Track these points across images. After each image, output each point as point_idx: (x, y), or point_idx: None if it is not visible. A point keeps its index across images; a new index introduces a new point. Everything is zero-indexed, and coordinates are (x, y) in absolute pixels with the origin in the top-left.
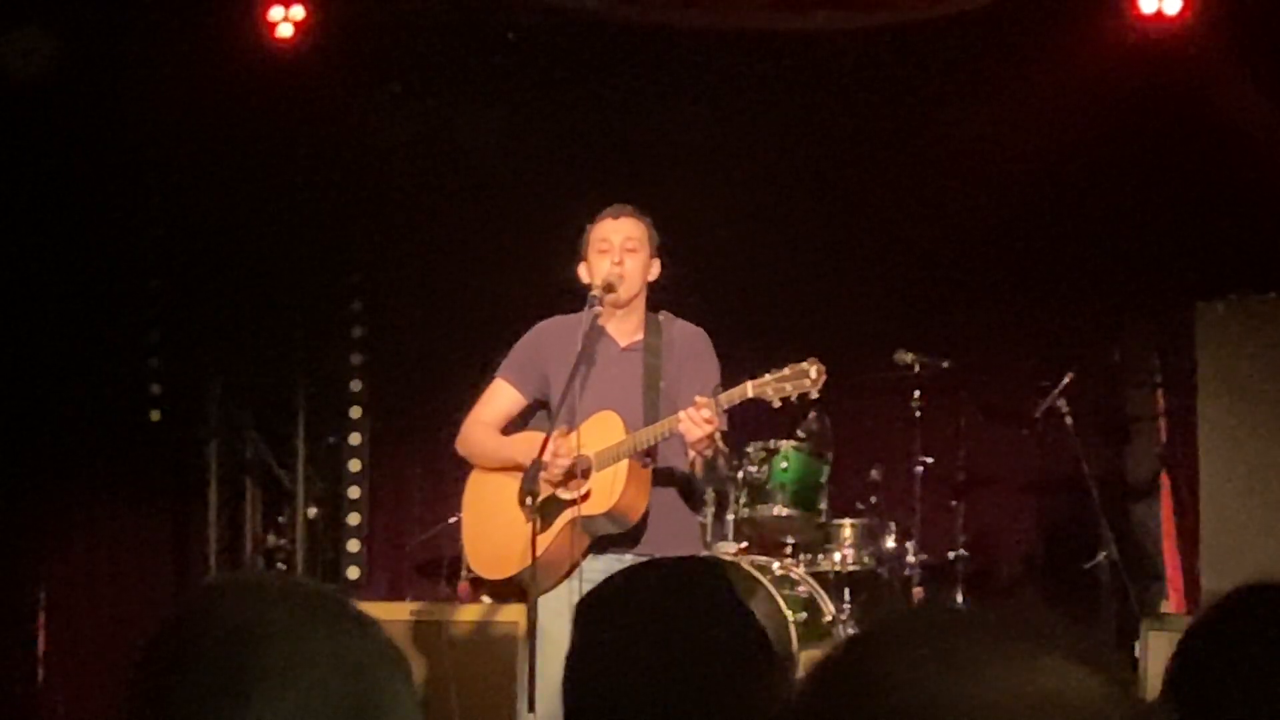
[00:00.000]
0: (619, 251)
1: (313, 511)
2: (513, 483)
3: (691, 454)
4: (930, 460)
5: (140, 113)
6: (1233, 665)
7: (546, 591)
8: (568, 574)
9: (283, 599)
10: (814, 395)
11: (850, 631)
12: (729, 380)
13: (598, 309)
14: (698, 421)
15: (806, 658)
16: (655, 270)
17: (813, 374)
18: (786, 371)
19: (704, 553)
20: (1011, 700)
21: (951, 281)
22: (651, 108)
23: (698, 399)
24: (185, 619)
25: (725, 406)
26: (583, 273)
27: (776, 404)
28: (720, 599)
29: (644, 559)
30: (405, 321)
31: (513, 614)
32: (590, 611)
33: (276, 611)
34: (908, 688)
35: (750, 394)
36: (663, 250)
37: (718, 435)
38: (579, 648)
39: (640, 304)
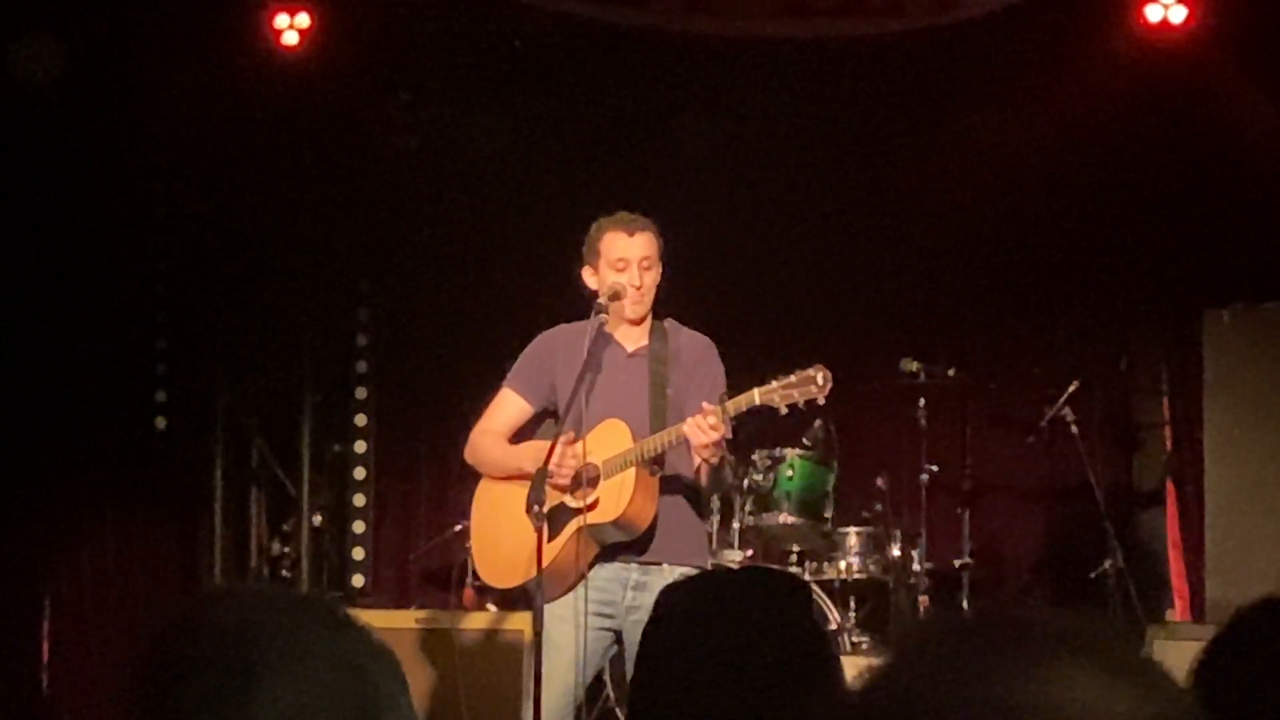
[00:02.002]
0: (637, 272)
1: (318, 519)
2: (520, 491)
3: (697, 461)
4: (936, 468)
5: (146, 120)
6: (1256, 679)
7: (554, 599)
8: (575, 582)
9: (278, 603)
10: (821, 402)
11: (855, 639)
12: (735, 388)
13: (604, 317)
14: (704, 429)
15: None
16: (659, 272)
17: (819, 380)
18: (793, 379)
19: (711, 560)
20: (1037, 708)
21: (957, 290)
22: (659, 115)
23: (704, 406)
24: (183, 625)
25: (732, 414)
26: (588, 278)
27: (784, 411)
28: (790, 609)
29: (652, 566)
30: (411, 329)
31: (519, 621)
32: (668, 605)
33: (272, 614)
34: (936, 695)
35: (757, 401)
36: (668, 256)
37: (724, 442)
38: (653, 635)
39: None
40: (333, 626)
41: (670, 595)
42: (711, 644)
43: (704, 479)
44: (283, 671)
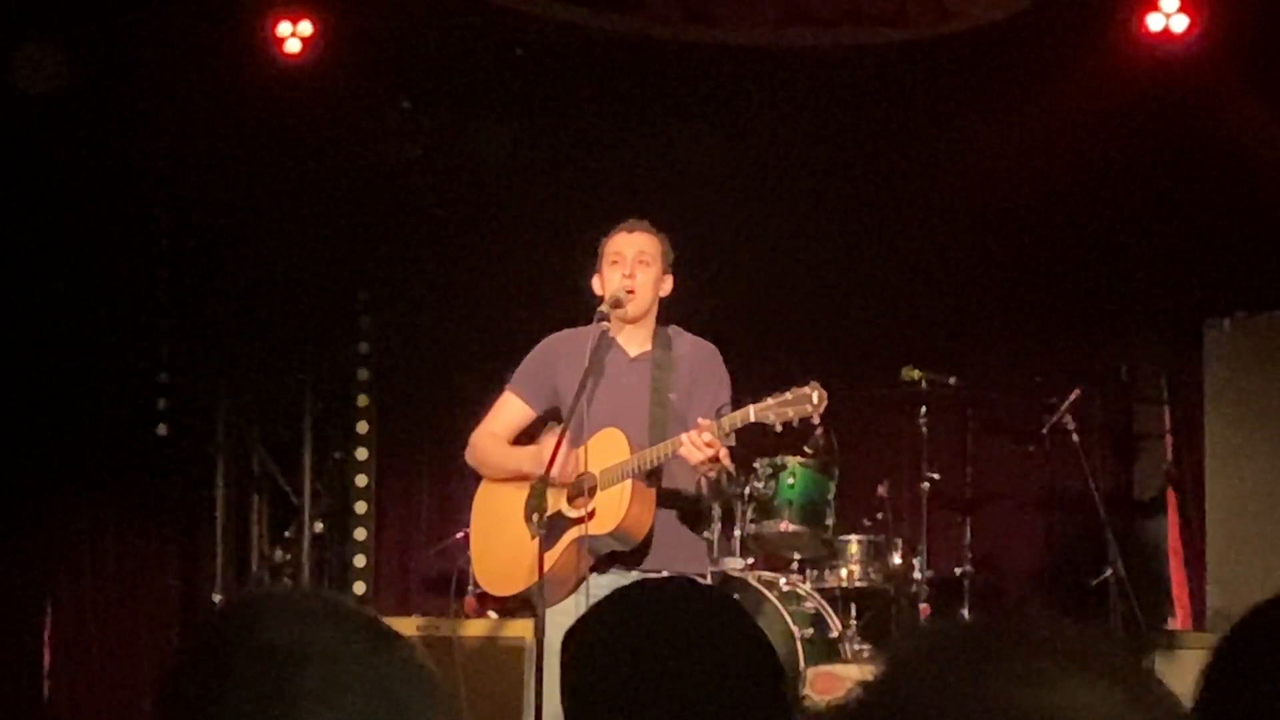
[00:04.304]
0: (631, 265)
1: (319, 526)
2: (520, 497)
3: (696, 474)
4: (937, 476)
5: (148, 127)
6: (1266, 685)
7: (553, 605)
8: (574, 589)
9: (321, 619)
10: (815, 420)
11: (856, 647)
12: (736, 398)
13: (605, 324)
14: (699, 445)
15: (813, 674)
16: (667, 286)
17: (815, 399)
18: (789, 395)
19: (710, 570)
20: (1033, 715)
21: (959, 298)
22: (660, 124)
23: (700, 421)
24: (225, 633)
25: (727, 429)
26: (596, 285)
27: (778, 428)
28: (725, 614)
29: (652, 574)
30: (412, 337)
31: (520, 628)
32: (583, 635)
33: (315, 632)
34: (932, 702)
35: (753, 418)
36: (673, 267)
37: (723, 454)
38: (570, 671)
39: (651, 317)
40: (374, 649)
41: (590, 618)
42: (637, 661)
43: (705, 490)
44: (321, 697)
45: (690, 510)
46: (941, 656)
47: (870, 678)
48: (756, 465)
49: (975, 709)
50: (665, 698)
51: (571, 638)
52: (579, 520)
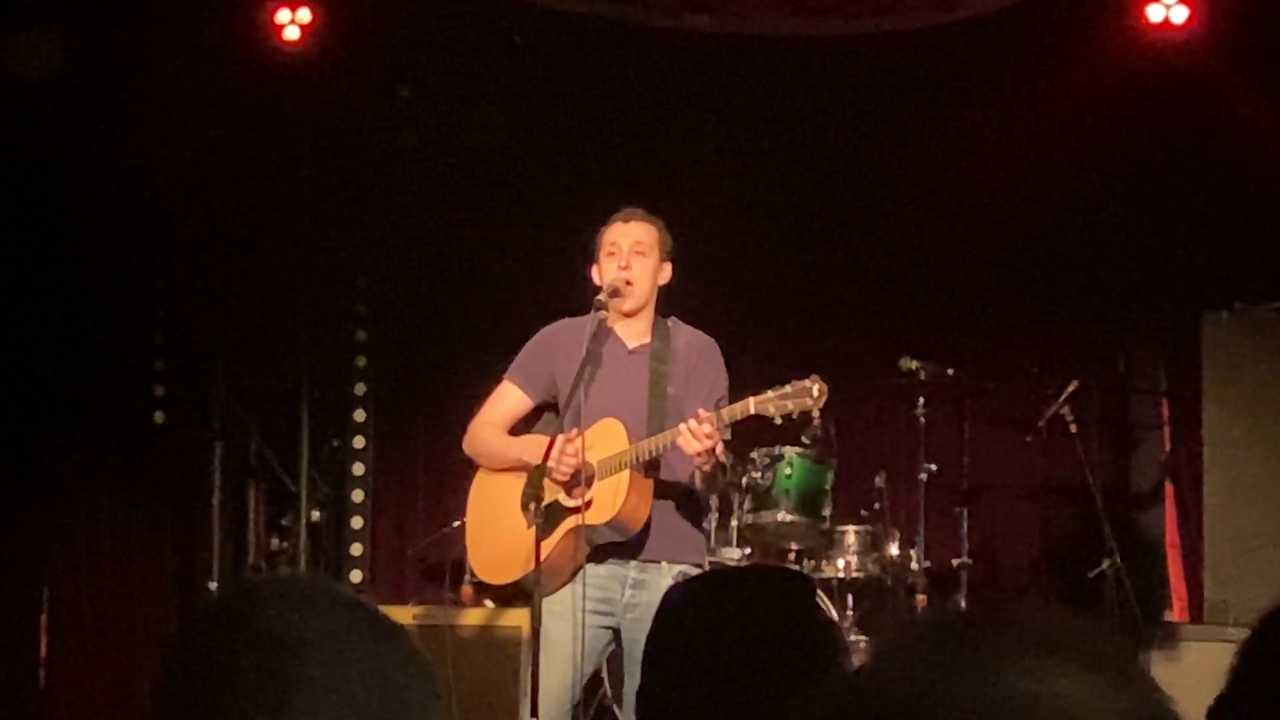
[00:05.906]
0: (626, 255)
1: (316, 515)
2: (517, 486)
3: (692, 466)
4: (934, 467)
5: (146, 115)
6: None
7: (549, 595)
8: (570, 579)
9: (321, 607)
10: (815, 414)
11: (853, 638)
12: (733, 389)
13: (603, 314)
14: (698, 436)
15: None
16: (666, 274)
17: (815, 392)
18: (789, 389)
19: (709, 559)
20: (1013, 703)
21: (957, 289)
22: (659, 113)
23: (699, 412)
24: (224, 620)
25: (726, 421)
26: (595, 275)
27: (778, 421)
28: (794, 604)
29: (650, 564)
30: (410, 325)
31: (516, 618)
32: (672, 606)
33: (315, 620)
34: (915, 692)
35: (752, 410)
36: (671, 254)
37: (719, 448)
38: (658, 637)
39: (650, 307)
40: (373, 636)
41: (674, 596)
42: (717, 643)
43: (699, 483)
44: (320, 685)
45: (687, 501)
46: (925, 647)
47: (858, 669)
48: (754, 455)
49: (958, 698)
50: (735, 676)
51: (670, 599)
52: (576, 509)
